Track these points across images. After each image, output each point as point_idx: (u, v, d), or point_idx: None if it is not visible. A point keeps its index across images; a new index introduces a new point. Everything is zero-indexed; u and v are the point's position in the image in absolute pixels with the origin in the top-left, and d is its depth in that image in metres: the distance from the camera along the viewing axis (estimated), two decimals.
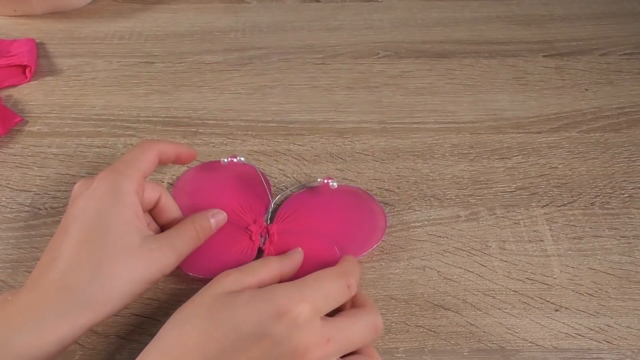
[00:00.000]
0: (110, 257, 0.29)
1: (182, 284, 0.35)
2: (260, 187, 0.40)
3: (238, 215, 0.38)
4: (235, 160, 0.40)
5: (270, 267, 0.31)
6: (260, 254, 0.36)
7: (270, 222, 0.38)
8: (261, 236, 0.37)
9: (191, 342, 0.26)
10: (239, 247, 0.36)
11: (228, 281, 0.29)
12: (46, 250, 0.30)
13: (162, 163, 0.36)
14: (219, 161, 0.41)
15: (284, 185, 0.41)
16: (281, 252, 0.35)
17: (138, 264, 0.30)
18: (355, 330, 0.29)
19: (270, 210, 0.38)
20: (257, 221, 0.38)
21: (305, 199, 0.39)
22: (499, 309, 0.34)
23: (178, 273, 0.36)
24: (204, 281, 0.35)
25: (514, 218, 0.39)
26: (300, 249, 0.34)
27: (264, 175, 0.41)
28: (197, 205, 0.38)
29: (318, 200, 0.39)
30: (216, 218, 0.35)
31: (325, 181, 0.39)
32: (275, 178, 0.41)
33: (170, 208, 0.35)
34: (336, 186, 0.39)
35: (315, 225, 0.38)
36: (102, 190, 0.31)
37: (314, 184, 0.40)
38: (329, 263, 0.35)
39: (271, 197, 0.39)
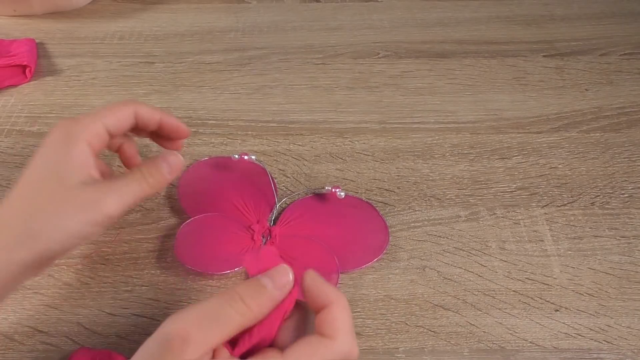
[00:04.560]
0: (46, 197, 0.29)
1: (182, 284, 0.35)
2: (267, 188, 0.40)
3: (242, 213, 0.38)
4: (246, 157, 0.40)
5: (237, 321, 0.25)
6: None
7: (274, 223, 0.38)
8: (263, 237, 0.37)
9: None
10: (240, 245, 0.36)
11: (188, 354, 0.23)
12: None
13: (143, 127, 0.35)
14: (230, 157, 0.41)
15: (284, 185, 0.41)
16: (281, 254, 0.35)
17: (72, 204, 0.29)
18: None
19: (275, 212, 0.39)
20: (260, 221, 0.38)
21: (311, 204, 0.39)
22: (499, 309, 0.34)
23: (178, 273, 0.36)
24: (202, 276, 0.35)
25: (514, 218, 0.39)
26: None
27: (272, 177, 0.41)
28: (202, 198, 0.39)
29: (324, 208, 0.39)
30: (169, 161, 0.32)
31: (333, 190, 0.39)
32: (276, 178, 0.41)
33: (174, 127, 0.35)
34: (343, 196, 0.39)
35: (317, 232, 0.37)
36: (54, 135, 0.31)
37: (322, 191, 0.40)
38: (327, 273, 0.35)
39: (277, 199, 0.39)
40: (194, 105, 0.47)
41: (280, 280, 0.26)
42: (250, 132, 0.45)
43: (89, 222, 0.29)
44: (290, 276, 0.27)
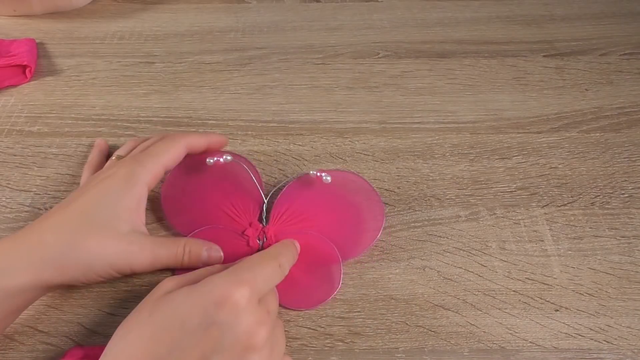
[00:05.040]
0: (91, 231, 0.31)
1: None
2: (251, 185, 0.39)
3: (232, 219, 0.37)
4: (221, 160, 0.38)
5: (215, 269, 0.31)
6: None
7: (266, 222, 0.37)
8: (259, 239, 0.36)
9: (138, 351, 0.26)
10: (238, 254, 0.35)
11: (168, 285, 0.29)
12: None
13: (192, 152, 0.38)
14: (205, 161, 0.39)
15: (278, 181, 0.41)
16: None
17: (111, 248, 0.31)
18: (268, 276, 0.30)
19: (265, 208, 0.38)
20: (252, 224, 0.37)
21: (298, 194, 0.38)
22: (499, 309, 0.34)
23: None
24: None
25: (514, 218, 0.39)
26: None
27: (253, 170, 0.40)
28: (188, 208, 0.38)
29: (312, 196, 0.38)
30: (211, 254, 0.34)
31: (318, 175, 0.38)
32: (276, 178, 0.41)
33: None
34: (330, 180, 0.38)
35: (311, 223, 0.37)
36: (119, 174, 0.33)
37: (307, 177, 0.39)
38: (329, 264, 0.35)
39: (263, 194, 0.38)
40: (194, 105, 0.47)
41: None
42: (250, 132, 0.45)
43: (116, 269, 0.32)
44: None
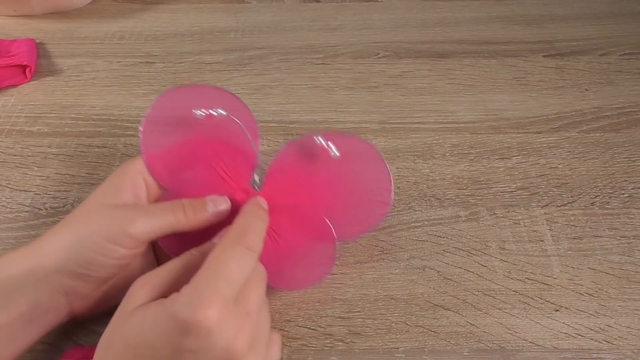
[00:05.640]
0: (84, 211, 0.31)
1: None
2: (244, 144, 0.33)
3: (222, 178, 0.33)
4: (215, 114, 0.33)
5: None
6: None
7: (259, 188, 0.33)
8: None
9: None
10: (226, 222, 0.32)
11: (138, 295, 0.27)
12: None
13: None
14: (193, 113, 0.33)
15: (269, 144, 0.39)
16: (272, 229, 0.33)
17: (101, 220, 0.30)
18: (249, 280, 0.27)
19: (257, 174, 0.34)
20: (244, 189, 0.33)
21: (298, 161, 0.33)
22: (499, 309, 0.34)
23: None
24: None
25: (514, 218, 0.39)
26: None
27: (252, 126, 0.34)
28: (175, 164, 0.33)
29: (314, 166, 0.33)
30: (216, 202, 0.32)
31: (325, 145, 0.32)
32: None
33: None
34: (338, 156, 0.32)
35: (308, 197, 0.33)
36: (116, 171, 0.33)
37: (312, 145, 0.33)
38: (322, 245, 0.32)
39: (257, 152, 0.33)
40: None
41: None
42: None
43: (108, 239, 0.29)
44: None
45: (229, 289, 0.26)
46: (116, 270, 0.31)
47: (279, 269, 0.32)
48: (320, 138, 0.32)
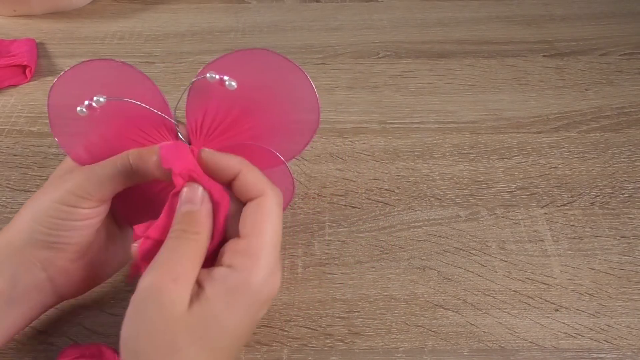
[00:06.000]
0: (42, 188, 0.31)
1: None
2: (152, 96, 0.30)
3: (146, 141, 0.30)
4: (95, 105, 0.29)
5: (196, 250, 0.27)
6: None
7: (188, 141, 0.30)
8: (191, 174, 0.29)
9: None
10: (163, 184, 0.31)
11: (180, 293, 0.26)
12: None
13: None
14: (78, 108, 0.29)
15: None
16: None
17: (55, 187, 0.30)
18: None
19: (175, 123, 0.30)
20: (177, 145, 0.29)
21: (205, 102, 0.30)
22: (499, 309, 0.34)
23: None
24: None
25: (514, 218, 0.39)
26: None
27: (150, 89, 0.30)
28: (103, 155, 0.30)
29: (222, 99, 0.30)
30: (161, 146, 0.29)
31: (218, 77, 0.29)
32: None
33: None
34: (235, 86, 0.29)
35: (235, 131, 0.31)
36: None
37: (204, 81, 0.29)
38: (274, 169, 0.31)
39: (170, 115, 0.30)
40: None
41: (197, 197, 0.28)
42: None
43: (64, 201, 0.29)
44: (201, 188, 0.28)
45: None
46: (83, 233, 0.30)
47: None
48: (210, 74, 0.29)
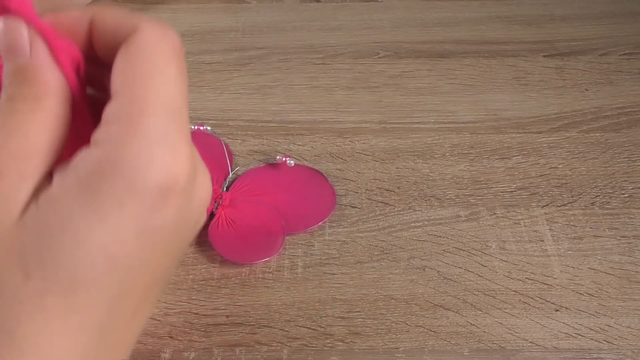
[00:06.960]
0: None
1: (183, 284, 0.35)
2: (222, 158, 0.42)
3: None
4: (202, 128, 0.42)
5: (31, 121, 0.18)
6: (211, 217, 0.38)
7: (227, 190, 0.40)
8: (215, 202, 0.39)
9: None
10: None
11: (22, 193, 0.17)
12: None
13: None
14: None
15: (248, 162, 0.42)
16: (230, 218, 0.38)
17: None
18: None
19: (229, 180, 0.40)
20: (214, 188, 0.38)
21: (263, 173, 0.41)
22: (499, 309, 0.34)
23: (178, 273, 0.36)
24: (203, 274, 0.35)
25: (514, 218, 0.39)
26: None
27: (227, 148, 0.42)
28: None
29: (275, 176, 0.41)
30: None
31: (284, 159, 0.41)
32: None
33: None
34: (292, 164, 0.41)
35: (267, 197, 0.40)
36: None
37: (273, 161, 0.42)
38: (273, 233, 0.37)
39: (231, 168, 0.41)
40: (194, 105, 0.47)
41: (20, 40, 0.19)
42: (250, 132, 0.45)
43: None
44: (24, 26, 0.19)
45: (173, 113, 0.18)
46: None
47: (231, 245, 0.37)
48: (279, 156, 0.41)
